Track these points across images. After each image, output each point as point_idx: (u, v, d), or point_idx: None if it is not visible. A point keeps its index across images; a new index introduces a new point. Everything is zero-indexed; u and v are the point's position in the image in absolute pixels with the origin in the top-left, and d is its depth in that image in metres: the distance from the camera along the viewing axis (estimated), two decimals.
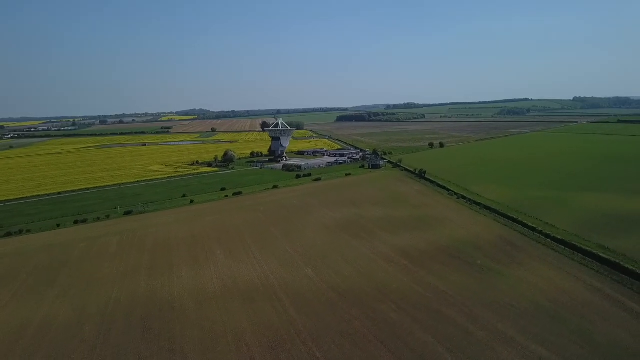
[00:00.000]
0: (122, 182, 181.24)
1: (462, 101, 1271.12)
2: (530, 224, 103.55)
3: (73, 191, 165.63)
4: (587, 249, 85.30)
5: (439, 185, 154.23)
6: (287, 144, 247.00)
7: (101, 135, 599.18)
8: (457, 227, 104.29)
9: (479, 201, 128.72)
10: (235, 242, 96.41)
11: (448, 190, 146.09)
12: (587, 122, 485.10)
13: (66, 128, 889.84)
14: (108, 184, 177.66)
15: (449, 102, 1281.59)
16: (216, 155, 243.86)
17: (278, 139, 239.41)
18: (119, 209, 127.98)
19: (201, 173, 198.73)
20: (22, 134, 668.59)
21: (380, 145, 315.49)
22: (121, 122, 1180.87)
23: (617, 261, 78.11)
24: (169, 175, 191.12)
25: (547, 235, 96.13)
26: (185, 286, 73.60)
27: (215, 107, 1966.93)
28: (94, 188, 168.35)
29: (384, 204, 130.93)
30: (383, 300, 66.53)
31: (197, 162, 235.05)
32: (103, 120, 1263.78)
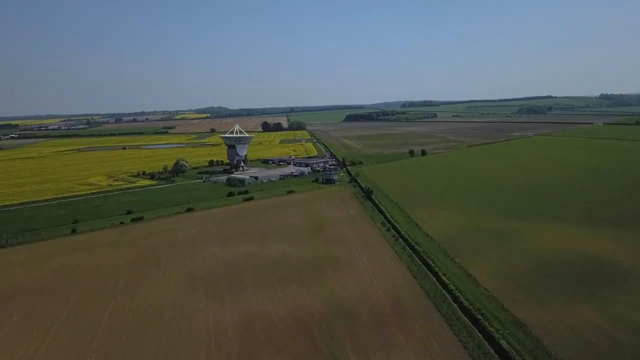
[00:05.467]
0: (43, 198, 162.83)
1: (482, 98, 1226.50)
2: (445, 279, 79.97)
3: None
4: (491, 329, 61.56)
5: (379, 210, 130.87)
6: (244, 152, 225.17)
7: (99, 135, 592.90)
8: (352, 280, 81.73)
9: (409, 234, 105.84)
10: (55, 301, 76.20)
11: (385, 217, 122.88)
12: (604, 123, 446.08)
13: (75, 127, 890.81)
14: (20, 201, 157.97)
15: (467, 100, 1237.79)
16: (166, 165, 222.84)
17: (233, 147, 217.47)
18: None
19: (131, 188, 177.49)
20: (25, 134, 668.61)
21: (361, 151, 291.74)
22: (134, 120, 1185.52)
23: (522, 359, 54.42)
24: (94, 192, 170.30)
25: (456, 299, 72.58)
26: None
27: (234, 105, 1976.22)
28: None
29: (297, 236, 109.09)
30: None
31: (143, 172, 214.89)
32: (119, 118, 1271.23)
